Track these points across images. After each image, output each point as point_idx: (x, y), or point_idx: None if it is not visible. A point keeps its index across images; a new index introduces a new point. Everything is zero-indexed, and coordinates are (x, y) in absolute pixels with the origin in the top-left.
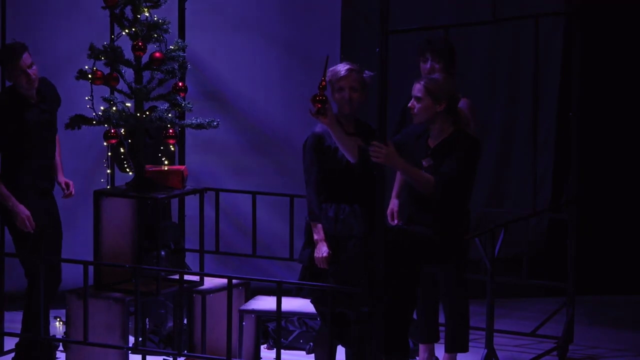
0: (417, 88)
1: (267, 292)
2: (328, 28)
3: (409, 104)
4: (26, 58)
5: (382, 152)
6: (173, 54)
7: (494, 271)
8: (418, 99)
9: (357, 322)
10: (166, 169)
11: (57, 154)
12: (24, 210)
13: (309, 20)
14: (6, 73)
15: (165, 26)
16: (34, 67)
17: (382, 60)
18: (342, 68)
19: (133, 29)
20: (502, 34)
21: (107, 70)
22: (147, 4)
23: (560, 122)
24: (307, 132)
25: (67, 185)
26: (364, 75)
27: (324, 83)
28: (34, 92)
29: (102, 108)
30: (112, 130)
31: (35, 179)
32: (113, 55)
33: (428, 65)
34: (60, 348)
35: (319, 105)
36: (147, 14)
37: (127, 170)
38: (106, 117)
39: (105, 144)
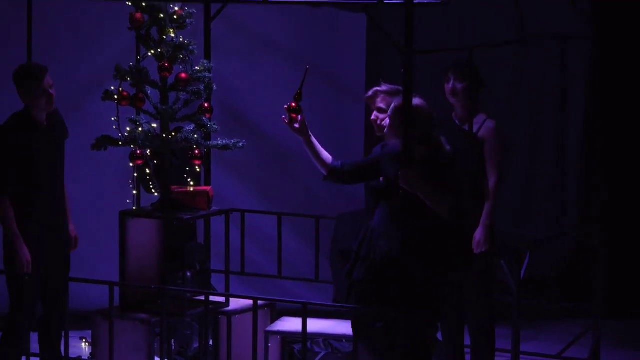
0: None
1: (293, 314)
2: (353, 48)
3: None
4: (48, 78)
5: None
6: (199, 74)
7: (519, 293)
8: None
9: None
10: (192, 189)
11: (66, 200)
12: (25, 255)
13: (334, 40)
14: (25, 94)
15: (191, 47)
16: (53, 89)
17: (406, 81)
18: (371, 89)
19: (159, 50)
20: (527, 54)
21: (133, 91)
22: (173, 25)
23: (586, 141)
24: (332, 154)
25: (75, 239)
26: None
27: (299, 92)
28: (44, 117)
29: (128, 129)
30: (138, 151)
31: (43, 212)
32: (139, 76)
33: (450, 86)
34: None
35: (293, 115)
36: (172, 35)
37: (153, 191)
38: (132, 138)
39: (131, 164)
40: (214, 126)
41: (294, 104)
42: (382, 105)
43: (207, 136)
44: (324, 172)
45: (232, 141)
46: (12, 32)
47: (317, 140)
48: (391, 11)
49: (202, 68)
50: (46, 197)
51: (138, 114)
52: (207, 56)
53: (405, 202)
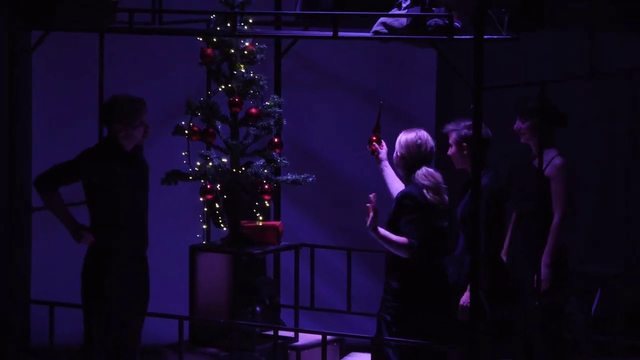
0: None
1: (362, 349)
2: (423, 83)
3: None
4: (145, 110)
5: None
6: (269, 110)
7: (590, 330)
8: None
9: None
10: (261, 224)
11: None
12: (79, 228)
13: (403, 75)
14: (124, 125)
15: (261, 82)
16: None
17: (476, 116)
18: (443, 124)
19: (229, 85)
20: (599, 89)
21: (203, 126)
22: (244, 60)
23: None
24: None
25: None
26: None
27: (377, 125)
28: (131, 148)
29: (198, 163)
30: (208, 186)
31: (128, 244)
32: (210, 111)
33: (516, 125)
34: None
35: (373, 147)
36: (243, 70)
37: (223, 225)
38: (202, 173)
39: (201, 199)
40: (284, 161)
41: (374, 137)
42: (450, 141)
43: (277, 171)
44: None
45: (302, 176)
46: (85, 67)
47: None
48: (461, 46)
49: (272, 103)
50: (132, 228)
51: (208, 148)
52: (277, 91)
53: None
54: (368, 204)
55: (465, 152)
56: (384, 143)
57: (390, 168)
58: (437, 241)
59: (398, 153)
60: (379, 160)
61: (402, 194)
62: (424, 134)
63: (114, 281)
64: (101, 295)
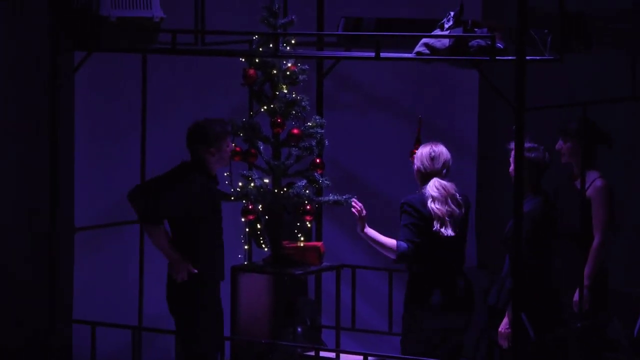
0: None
1: None
2: (465, 104)
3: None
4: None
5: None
6: (311, 130)
7: (632, 352)
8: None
9: None
10: (303, 245)
11: None
12: (186, 265)
13: (445, 96)
14: (216, 150)
15: (303, 103)
16: None
17: (518, 137)
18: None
19: (272, 106)
20: None
21: (245, 147)
22: (286, 81)
23: None
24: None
25: None
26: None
27: (418, 138)
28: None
29: (240, 184)
30: (250, 206)
31: (219, 268)
32: (252, 132)
33: (558, 146)
34: None
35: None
36: (285, 91)
37: (264, 246)
38: (244, 193)
39: (242, 219)
40: (326, 182)
41: (415, 150)
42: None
43: (319, 192)
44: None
45: (344, 197)
46: (127, 86)
47: None
48: (504, 67)
49: (314, 124)
50: (220, 253)
51: (250, 169)
52: (319, 112)
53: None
54: (352, 209)
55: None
56: None
57: None
58: (438, 249)
59: (415, 166)
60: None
61: (402, 201)
62: (438, 148)
63: (213, 310)
64: (206, 325)
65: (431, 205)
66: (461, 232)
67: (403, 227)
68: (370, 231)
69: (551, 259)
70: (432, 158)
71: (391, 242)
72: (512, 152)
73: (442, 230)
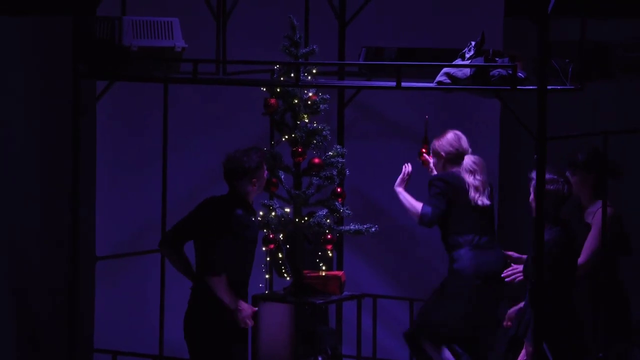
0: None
1: None
2: (486, 134)
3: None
4: None
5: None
6: (332, 159)
7: None
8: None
9: None
10: (324, 274)
11: None
12: (247, 307)
13: (467, 126)
14: (256, 179)
15: (324, 132)
16: None
17: (539, 167)
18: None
19: (293, 135)
20: None
21: (266, 176)
22: (307, 110)
23: None
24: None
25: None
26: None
27: (425, 137)
28: None
29: (261, 213)
30: (271, 236)
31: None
32: (273, 161)
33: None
34: None
35: (423, 158)
36: (306, 120)
37: (285, 275)
38: (265, 223)
39: (263, 249)
40: (347, 211)
41: (423, 150)
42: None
43: (340, 221)
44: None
45: (365, 226)
46: (149, 115)
47: None
48: (525, 96)
49: (335, 153)
50: (247, 280)
51: (271, 198)
52: (340, 141)
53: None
54: (404, 167)
55: None
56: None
57: None
58: (470, 218)
59: (443, 153)
60: (431, 170)
61: (433, 177)
62: (458, 132)
63: (239, 338)
64: (233, 354)
65: (470, 178)
66: (492, 201)
67: (430, 197)
68: (403, 191)
69: (572, 288)
70: (459, 138)
71: (418, 204)
72: (533, 182)
73: (479, 200)
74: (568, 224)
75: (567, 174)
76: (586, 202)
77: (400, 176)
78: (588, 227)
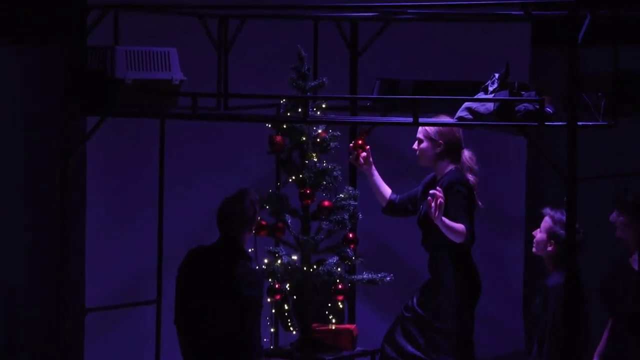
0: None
1: None
2: (512, 174)
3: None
4: None
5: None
6: (343, 202)
7: None
8: (419, 141)
9: None
10: (334, 328)
11: None
12: None
13: (491, 165)
14: (254, 225)
15: (335, 173)
16: None
17: (570, 209)
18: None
19: (300, 176)
20: None
21: (272, 220)
22: (316, 148)
23: None
24: (489, 285)
25: None
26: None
27: (368, 130)
28: None
29: (266, 261)
30: (277, 286)
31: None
32: (279, 204)
33: (612, 216)
34: None
35: (359, 151)
36: (315, 160)
37: (292, 329)
38: (270, 271)
39: (269, 300)
40: (359, 259)
41: (360, 141)
42: (420, 135)
43: (352, 269)
44: (383, 205)
45: (379, 275)
46: (144, 153)
47: (474, 272)
48: (554, 133)
49: (347, 195)
50: None
51: (277, 244)
52: (353, 182)
53: None
54: (434, 192)
55: (550, 248)
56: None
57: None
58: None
59: (439, 141)
60: (369, 164)
61: (453, 180)
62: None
63: None
64: None
65: (472, 177)
66: None
67: (464, 209)
68: (444, 220)
69: (582, 333)
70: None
71: (458, 225)
72: (546, 218)
73: (479, 202)
74: (578, 269)
75: (613, 215)
76: (632, 247)
77: (434, 206)
78: (631, 273)
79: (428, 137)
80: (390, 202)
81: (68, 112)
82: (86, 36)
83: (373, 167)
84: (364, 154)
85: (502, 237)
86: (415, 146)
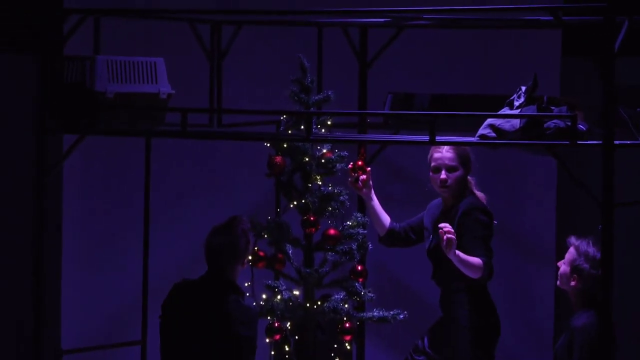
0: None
1: None
2: (541, 199)
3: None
4: None
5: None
6: (351, 231)
7: None
8: (451, 169)
9: None
10: None
11: None
12: None
13: (516, 189)
14: (247, 259)
15: (341, 197)
16: None
17: (606, 237)
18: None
19: (303, 201)
20: None
21: (270, 251)
22: (321, 170)
23: None
24: (517, 322)
25: None
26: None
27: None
28: None
29: (264, 296)
30: (276, 324)
31: None
32: (278, 233)
33: None
34: None
35: (359, 173)
36: (320, 183)
37: None
38: (269, 308)
39: (267, 340)
40: (369, 294)
41: (360, 163)
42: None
43: (360, 306)
44: (381, 234)
45: (391, 312)
46: (125, 179)
47: (498, 309)
48: (587, 153)
49: (355, 223)
50: None
51: (277, 278)
52: (361, 208)
53: None
54: (445, 229)
55: (573, 283)
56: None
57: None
58: None
59: (458, 167)
60: (369, 188)
61: (473, 207)
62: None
63: None
64: None
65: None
66: None
67: (483, 239)
68: (458, 253)
69: None
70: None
71: (474, 259)
72: (570, 249)
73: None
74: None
75: None
76: None
77: (446, 242)
78: None
79: (464, 163)
80: (391, 230)
81: (43, 129)
82: (63, 44)
83: (372, 192)
84: (364, 176)
85: (531, 270)
86: (443, 175)
